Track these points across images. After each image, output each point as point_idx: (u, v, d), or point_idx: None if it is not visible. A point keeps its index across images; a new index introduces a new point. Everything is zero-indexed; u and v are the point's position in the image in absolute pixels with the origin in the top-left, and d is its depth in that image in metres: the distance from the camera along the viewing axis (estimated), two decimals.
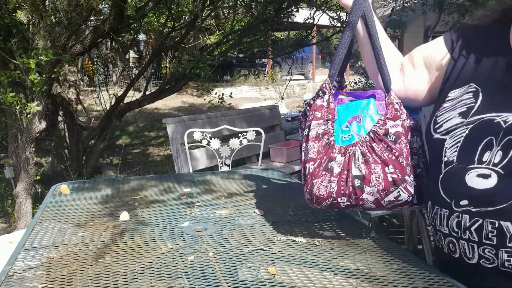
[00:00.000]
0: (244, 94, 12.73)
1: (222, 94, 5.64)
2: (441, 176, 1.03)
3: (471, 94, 1.05)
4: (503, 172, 0.93)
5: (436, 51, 1.20)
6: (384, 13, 9.63)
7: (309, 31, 6.47)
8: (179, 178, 2.05)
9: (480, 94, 1.04)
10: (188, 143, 3.18)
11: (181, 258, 1.19)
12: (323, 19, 5.90)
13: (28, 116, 4.09)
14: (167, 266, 1.14)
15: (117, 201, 1.69)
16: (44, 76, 3.79)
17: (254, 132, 3.14)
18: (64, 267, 1.14)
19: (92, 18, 5.47)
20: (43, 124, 4.18)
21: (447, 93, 1.11)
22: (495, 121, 0.97)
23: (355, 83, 9.36)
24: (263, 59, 13.77)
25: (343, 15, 5.80)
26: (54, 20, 3.87)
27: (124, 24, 4.76)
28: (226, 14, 6.03)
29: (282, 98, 7.67)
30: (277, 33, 6.52)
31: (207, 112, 8.21)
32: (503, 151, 0.93)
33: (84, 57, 6.42)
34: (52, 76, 3.90)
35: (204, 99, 9.24)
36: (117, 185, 1.91)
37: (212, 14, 5.62)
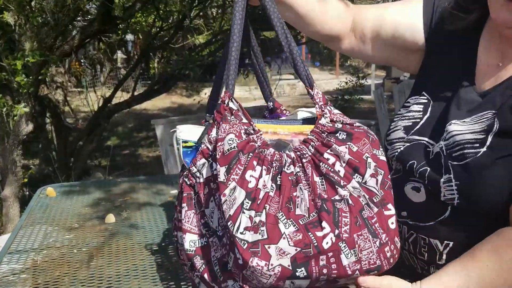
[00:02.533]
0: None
1: None
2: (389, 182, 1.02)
3: (422, 106, 0.98)
4: (431, 190, 0.90)
5: (411, 30, 1.01)
6: None
7: (298, 31, 6.48)
8: (168, 180, 2.04)
9: (429, 109, 0.97)
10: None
11: (168, 260, 1.18)
12: None
13: (15, 118, 4.05)
14: (152, 268, 1.14)
15: (104, 204, 1.68)
16: (31, 77, 3.75)
17: None
18: (50, 270, 1.13)
19: (79, 18, 5.43)
20: (30, 126, 4.14)
21: (408, 98, 1.03)
22: (428, 149, 0.92)
23: (346, 83, 9.39)
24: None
25: None
26: (40, 21, 3.84)
27: (112, 24, 4.72)
28: (214, 14, 6.01)
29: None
30: (266, 33, 6.51)
31: (196, 113, 8.21)
32: (421, 179, 0.91)
33: (72, 58, 6.38)
34: (39, 77, 3.86)
35: (194, 99, 9.22)
36: (104, 187, 1.89)
37: (201, 14, 5.60)
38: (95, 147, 5.68)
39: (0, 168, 4.41)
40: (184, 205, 0.84)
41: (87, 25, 4.66)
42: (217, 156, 0.77)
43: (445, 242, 0.90)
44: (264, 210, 0.75)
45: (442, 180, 0.87)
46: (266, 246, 0.73)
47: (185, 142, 0.92)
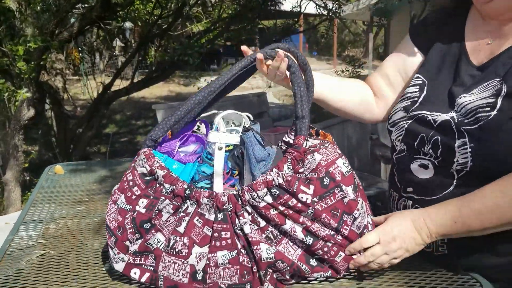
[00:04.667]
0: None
1: (211, 81, 5.68)
2: (395, 161, 1.09)
3: (418, 87, 1.07)
4: (437, 165, 0.98)
5: (411, 59, 1.16)
6: (370, 1, 9.71)
7: (296, 20, 6.52)
8: None
9: (425, 88, 1.06)
10: None
11: None
12: (310, 7, 5.95)
13: (16, 103, 4.10)
14: None
15: (112, 181, 1.74)
16: (32, 63, 3.79)
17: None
18: (65, 237, 1.20)
19: (78, 5, 5.45)
20: (32, 111, 4.19)
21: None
22: (427, 119, 0.99)
23: (342, 71, 9.43)
24: (251, 48, 13.78)
25: (330, 4, 5.86)
26: (42, 7, 3.87)
27: (111, 11, 4.75)
28: (213, 2, 6.04)
29: (270, 87, 7.74)
30: (264, 22, 6.54)
31: None
32: (433, 150, 0.98)
33: (71, 46, 6.39)
34: (41, 63, 3.90)
35: (193, 86, 9.23)
36: (109, 166, 1.96)
37: (199, 1, 5.63)
38: (95, 133, 5.73)
39: (1, 152, 4.47)
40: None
41: (86, 12, 4.69)
42: (338, 178, 0.91)
43: None
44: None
45: (456, 144, 0.93)
46: None
47: (228, 145, 0.98)
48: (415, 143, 1.01)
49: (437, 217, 0.92)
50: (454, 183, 0.96)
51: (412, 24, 1.20)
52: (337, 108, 1.21)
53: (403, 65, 1.17)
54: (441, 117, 0.97)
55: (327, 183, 0.90)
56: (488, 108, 0.91)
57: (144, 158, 0.96)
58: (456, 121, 0.95)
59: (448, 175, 0.96)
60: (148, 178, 0.95)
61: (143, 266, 0.93)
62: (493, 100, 0.91)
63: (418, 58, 1.14)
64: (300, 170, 0.91)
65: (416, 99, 1.06)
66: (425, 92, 1.06)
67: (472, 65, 1.01)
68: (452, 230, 0.91)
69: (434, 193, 0.99)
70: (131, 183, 0.96)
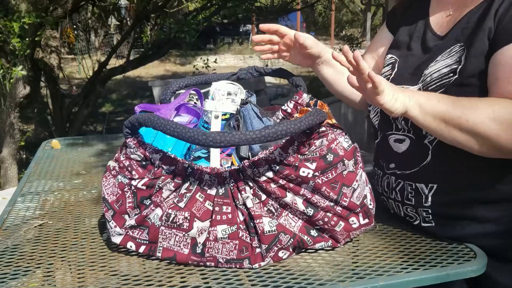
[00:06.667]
0: (228, 63, 12.66)
1: (207, 59, 5.66)
2: (377, 141, 1.13)
3: (390, 66, 1.12)
4: (414, 138, 1.01)
5: (385, 43, 1.20)
6: None
7: None
8: None
9: (397, 65, 1.10)
10: None
11: None
12: None
13: (11, 81, 4.07)
14: None
15: (108, 154, 1.74)
16: (27, 39, 3.75)
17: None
18: (63, 207, 1.20)
19: None
20: (27, 89, 4.16)
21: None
22: None
23: (340, 49, 9.37)
24: (247, 26, 13.67)
25: None
26: None
27: None
28: None
29: (267, 65, 7.70)
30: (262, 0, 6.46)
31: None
32: (405, 122, 1.01)
33: (65, 23, 6.32)
34: (36, 39, 3.86)
35: (190, 63, 9.14)
36: (106, 141, 1.96)
37: None
38: (91, 112, 5.70)
39: None
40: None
41: None
42: (341, 153, 0.92)
43: (430, 185, 1.01)
44: None
45: None
46: None
47: (224, 114, 0.99)
48: (390, 119, 1.05)
49: (423, 99, 0.89)
50: (430, 153, 0.99)
51: (388, 12, 1.26)
52: (334, 84, 1.25)
53: (379, 49, 1.22)
54: (410, 89, 1.00)
55: (331, 159, 0.91)
56: (451, 74, 0.95)
57: (134, 147, 0.95)
58: (421, 90, 0.99)
59: (423, 146, 1.00)
60: (144, 163, 0.95)
61: (137, 240, 0.93)
62: (457, 66, 0.95)
63: (390, 41, 1.19)
64: (305, 153, 0.91)
65: (389, 77, 1.10)
66: (396, 69, 1.10)
67: (436, 36, 1.06)
68: (425, 108, 0.88)
69: (413, 165, 1.02)
70: (129, 168, 0.95)
